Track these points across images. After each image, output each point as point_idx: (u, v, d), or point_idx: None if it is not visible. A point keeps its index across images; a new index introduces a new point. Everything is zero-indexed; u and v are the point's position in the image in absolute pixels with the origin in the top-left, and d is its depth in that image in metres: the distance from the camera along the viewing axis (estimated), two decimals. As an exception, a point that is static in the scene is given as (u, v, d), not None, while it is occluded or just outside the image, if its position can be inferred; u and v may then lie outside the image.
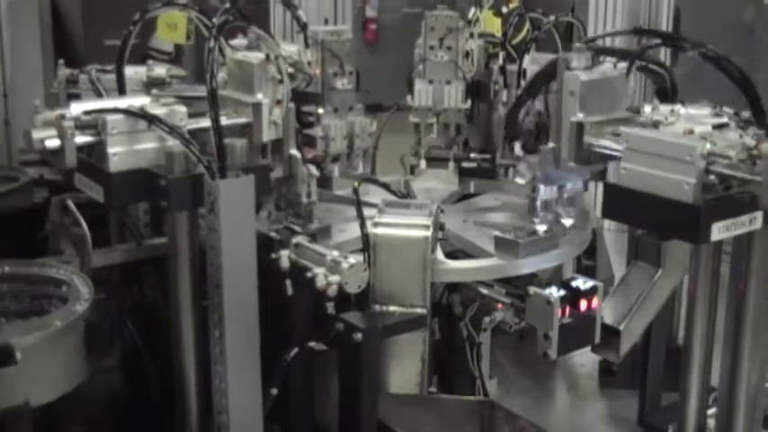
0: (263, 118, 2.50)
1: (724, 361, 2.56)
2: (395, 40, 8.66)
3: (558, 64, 2.67)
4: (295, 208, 2.68)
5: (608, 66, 2.69)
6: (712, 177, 2.11)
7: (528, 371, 3.36)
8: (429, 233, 2.51)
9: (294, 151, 2.63)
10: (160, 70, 3.15)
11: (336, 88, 3.04)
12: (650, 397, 2.98)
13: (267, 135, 2.51)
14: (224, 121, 2.36)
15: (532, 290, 2.50)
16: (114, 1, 4.10)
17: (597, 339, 2.60)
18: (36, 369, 2.00)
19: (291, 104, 2.63)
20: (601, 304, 2.56)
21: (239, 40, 2.73)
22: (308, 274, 2.37)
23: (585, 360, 3.42)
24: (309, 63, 2.91)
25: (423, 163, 3.47)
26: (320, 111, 2.93)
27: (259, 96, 2.50)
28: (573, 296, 2.49)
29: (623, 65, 2.66)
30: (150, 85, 3.03)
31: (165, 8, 2.91)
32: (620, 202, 2.25)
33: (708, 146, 2.11)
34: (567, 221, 2.91)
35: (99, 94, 2.92)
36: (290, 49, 2.99)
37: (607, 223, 3.90)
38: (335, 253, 2.40)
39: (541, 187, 2.86)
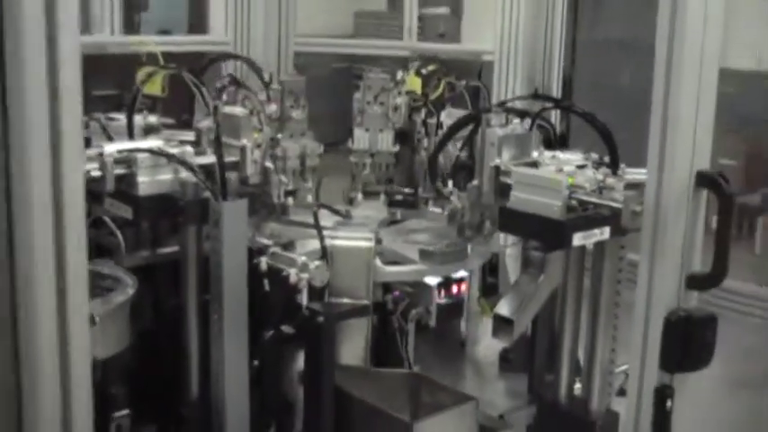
0: (248, 158, 3.36)
1: (585, 344, 3.46)
2: (323, 91, 9.51)
3: (482, 121, 3.57)
4: (268, 208, 3.57)
5: (517, 123, 3.63)
6: (574, 202, 3.02)
7: (442, 361, 4.16)
8: (372, 244, 3.37)
9: (269, 164, 3.50)
10: (152, 118, 3.98)
11: (292, 118, 3.98)
12: (537, 373, 3.84)
13: (250, 170, 3.36)
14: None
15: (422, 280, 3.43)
16: (101, 60, 4.93)
17: (464, 314, 3.54)
18: (101, 332, 2.78)
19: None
20: (469, 289, 3.51)
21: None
22: (284, 273, 3.20)
23: (489, 352, 4.28)
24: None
25: (359, 195, 4.33)
26: (279, 136, 3.81)
27: (244, 141, 3.36)
28: (447, 283, 3.43)
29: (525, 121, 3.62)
30: (147, 130, 3.86)
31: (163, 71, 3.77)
32: (512, 220, 3.15)
33: (569, 180, 3.03)
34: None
35: (109, 137, 3.71)
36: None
37: (509, 250, 4.75)
38: (304, 257, 3.23)
39: (467, 212, 3.66)
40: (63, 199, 2.09)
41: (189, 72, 3.62)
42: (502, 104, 3.87)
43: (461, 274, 3.40)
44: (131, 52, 5.01)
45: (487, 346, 4.28)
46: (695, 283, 2.52)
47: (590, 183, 3.04)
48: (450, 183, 3.71)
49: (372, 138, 4.31)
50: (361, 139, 4.32)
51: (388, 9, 9.55)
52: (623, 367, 3.67)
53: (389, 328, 3.67)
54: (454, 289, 3.39)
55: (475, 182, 3.56)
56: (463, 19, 8.58)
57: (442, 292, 3.39)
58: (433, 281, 3.35)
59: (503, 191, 3.30)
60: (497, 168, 3.37)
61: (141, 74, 3.86)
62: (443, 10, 8.53)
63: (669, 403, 2.50)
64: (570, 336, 3.54)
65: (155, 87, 4.43)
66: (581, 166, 3.20)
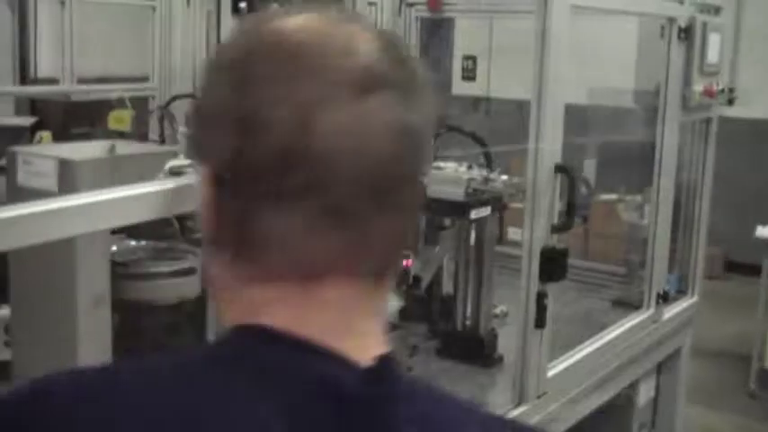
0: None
1: (473, 294, 5.08)
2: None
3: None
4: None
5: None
6: (470, 190, 4.65)
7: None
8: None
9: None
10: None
11: None
12: (434, 320, 5.43)
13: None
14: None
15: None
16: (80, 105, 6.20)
17: (410, 281, 5.06)
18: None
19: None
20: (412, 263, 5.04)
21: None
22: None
23: (390, 312, 5.84)
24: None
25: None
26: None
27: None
28: (401, 258, 4.95)
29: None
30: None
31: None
32: (429, 203, 4.75)
33: (467, 176, 4.67)
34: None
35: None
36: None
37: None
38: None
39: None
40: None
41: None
42: None
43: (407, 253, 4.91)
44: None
45: (390, 307, 5.84)
46: (555, 229, 4.20)
47: (479, 177, 4.70)
48: None
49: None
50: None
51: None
52: (499, 308, 5.34)
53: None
54: (403, 263, 4.88)
55: None
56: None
57: (399, 265, 4.86)
58: None
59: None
60: None
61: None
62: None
63: (545, 302, 4.17)
64: (462, 290, 5.14)
65: (122, 125, 5.79)
66: (470, 167, 4.86)
